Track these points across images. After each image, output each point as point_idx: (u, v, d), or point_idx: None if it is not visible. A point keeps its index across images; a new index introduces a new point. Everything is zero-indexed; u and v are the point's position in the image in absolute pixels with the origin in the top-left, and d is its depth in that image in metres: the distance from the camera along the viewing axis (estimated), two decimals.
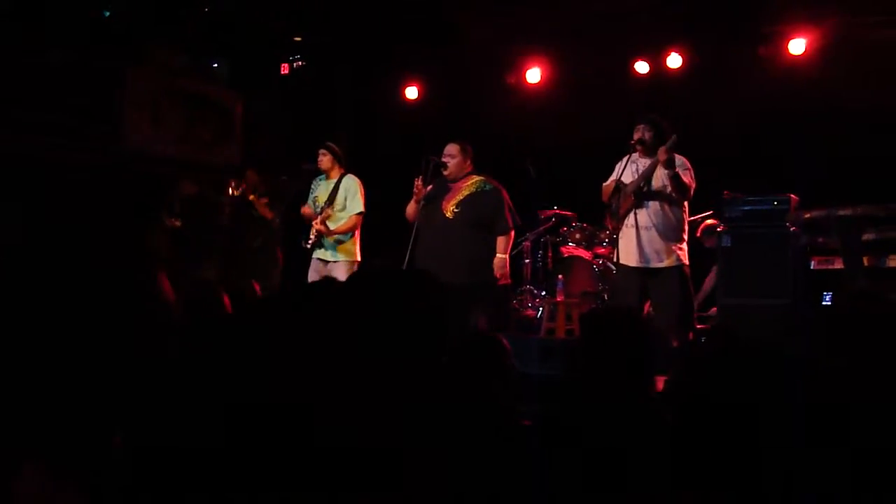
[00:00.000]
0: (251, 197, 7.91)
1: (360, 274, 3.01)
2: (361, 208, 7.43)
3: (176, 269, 7.85)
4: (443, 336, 2.29)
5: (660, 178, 6.24)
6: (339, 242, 7.41)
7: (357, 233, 7.48)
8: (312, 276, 7.43)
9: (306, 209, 7.62)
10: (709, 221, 8.26)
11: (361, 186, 7.50)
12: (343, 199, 7.45)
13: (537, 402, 3.20)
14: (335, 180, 7.52)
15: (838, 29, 8.37)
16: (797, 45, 8.56)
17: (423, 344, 2.21)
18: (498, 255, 6.60)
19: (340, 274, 7.32)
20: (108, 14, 9.15)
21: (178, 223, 8.23)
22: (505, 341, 3.53)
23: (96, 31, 8.99)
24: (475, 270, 6.52)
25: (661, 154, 6.06)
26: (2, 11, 8.09)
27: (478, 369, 3.26)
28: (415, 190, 6.63)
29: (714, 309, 7.42)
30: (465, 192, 6.64)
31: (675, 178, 6.10)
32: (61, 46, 8.57)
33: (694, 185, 6.25)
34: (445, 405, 2.15)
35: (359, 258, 7.47)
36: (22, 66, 8.32)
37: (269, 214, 8.00)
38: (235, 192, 7.93)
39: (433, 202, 6.67)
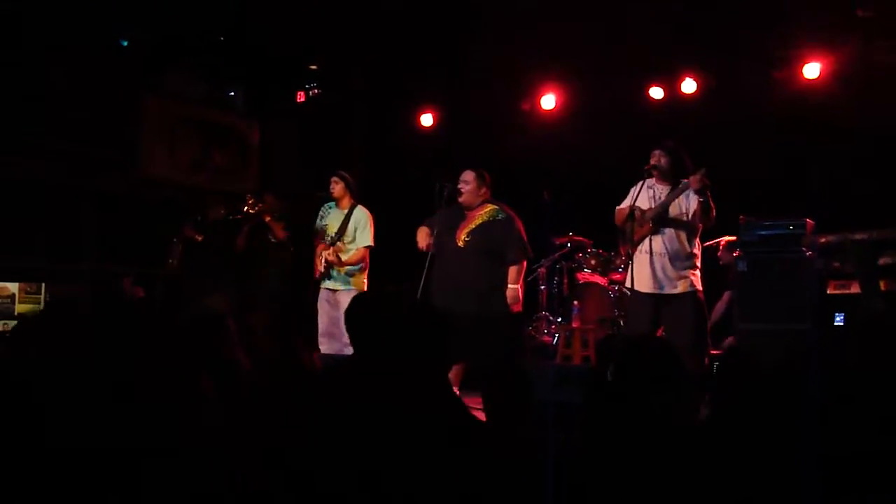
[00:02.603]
0: (267, 218, 7.85)
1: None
2: (370, 242, 7.39)
3: (185, 291, 7.87)
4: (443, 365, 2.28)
5: (677, 206, 6.19)
6: (350, 274, 7.39)
7: (366, 265, 7.45)
8: (322, 305, 7.40)
9: (320, 245, 7.58)
10: (729, 238, 8.16)
11: (372, 220, 7.47)
12: (353, 230, 7.42)
13: (555, 429, 3.17)
14: (346, 210, 7.50)
15: (853, 53, 8.36)
16: (812, 70, 8.54)
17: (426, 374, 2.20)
18: (510, 285, 6.55)
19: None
20: (125, 43, 9.24)
21: (199, 237, 8.21)
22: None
23: (114, 59, 9.08)
24: (486, 300, 6.49)
25: (695, 183, 5.97)
26: (23, 40, 8.19)
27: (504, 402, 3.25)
28: (419, 243, 6.70)
29: (730, 339, 7.36)
30: (479, 221, 6.62)
31: (704, 205, 6.03)
32: (81, 75, 8.67)
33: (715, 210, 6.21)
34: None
35: (366, 290, 7.44)
36: (41, 94, 8.42)
37: (282, 235, 7.91)
38: (251, 211, 7.86)
39: (448, 231, 6.63)
